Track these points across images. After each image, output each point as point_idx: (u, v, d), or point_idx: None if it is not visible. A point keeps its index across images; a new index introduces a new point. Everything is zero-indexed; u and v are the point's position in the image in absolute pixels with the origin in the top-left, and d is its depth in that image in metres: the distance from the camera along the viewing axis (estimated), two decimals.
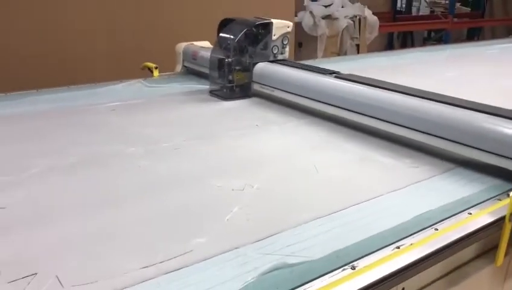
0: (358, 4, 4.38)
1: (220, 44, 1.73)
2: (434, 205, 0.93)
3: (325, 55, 4.10)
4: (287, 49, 1.79)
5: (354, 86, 1.42)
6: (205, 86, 1.87)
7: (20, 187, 0.99)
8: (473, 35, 7.94)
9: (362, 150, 1.24)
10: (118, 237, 0.82)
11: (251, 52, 1.72)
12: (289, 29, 1.76)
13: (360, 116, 1.36)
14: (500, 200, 0.96)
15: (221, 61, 1.70)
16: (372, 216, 0.90)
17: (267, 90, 1.69)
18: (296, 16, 3.98)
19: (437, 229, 0.85)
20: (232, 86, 1.72)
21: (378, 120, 1.31)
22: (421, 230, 0.84)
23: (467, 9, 8.30)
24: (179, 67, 2.11)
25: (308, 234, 0.84)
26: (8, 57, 2.36)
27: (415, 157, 1.19)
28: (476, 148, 1.09)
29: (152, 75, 2.02)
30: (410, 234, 0.83)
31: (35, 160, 1.12)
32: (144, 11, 2.75)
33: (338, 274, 0.72)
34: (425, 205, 0.93)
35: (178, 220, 0.88)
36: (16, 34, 2.39)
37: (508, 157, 1.04)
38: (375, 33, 4.46)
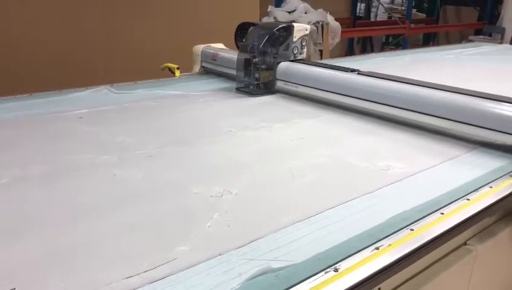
0: (320, 10, 4.45)
1: (245, 46, 1.89)
2: (408, 206, 0.96)
3: None
4: (305, 49, 1.99)
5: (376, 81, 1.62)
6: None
7: None
8: (429, 40, 8.27)
9: (336, 152, 1.27)
10: (98, 247, 0.81)
11: (274, 53, 1.89)
12: (307, 32, 1.95)
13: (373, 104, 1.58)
14: (468, 199, 1.01)
15: (247, 61, 1.87)
16: (348, 218, 0.92)
17: (290, 87, 1.87)
18: (260, 21, 4.00)
19: (412, 230, 0.88)
20: (258, 83, 1.88)
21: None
22: (397, 231, 0.87)
23: (423, 15, 8.63)
24: (196, 68, 2.25)
25: (289, 238, 0.85)
26: None
27: (387, 158, 1.22)
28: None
29: (174, 75, 2.13)
30: (387, 235, 0.86)
31: (4, 170, 1.08)
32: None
33: (322, 277, 0.73)
34: (400, 205, 0.96)
35: (158, 229, 0.87)
36: None
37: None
38: (338, 39, 4.55)
